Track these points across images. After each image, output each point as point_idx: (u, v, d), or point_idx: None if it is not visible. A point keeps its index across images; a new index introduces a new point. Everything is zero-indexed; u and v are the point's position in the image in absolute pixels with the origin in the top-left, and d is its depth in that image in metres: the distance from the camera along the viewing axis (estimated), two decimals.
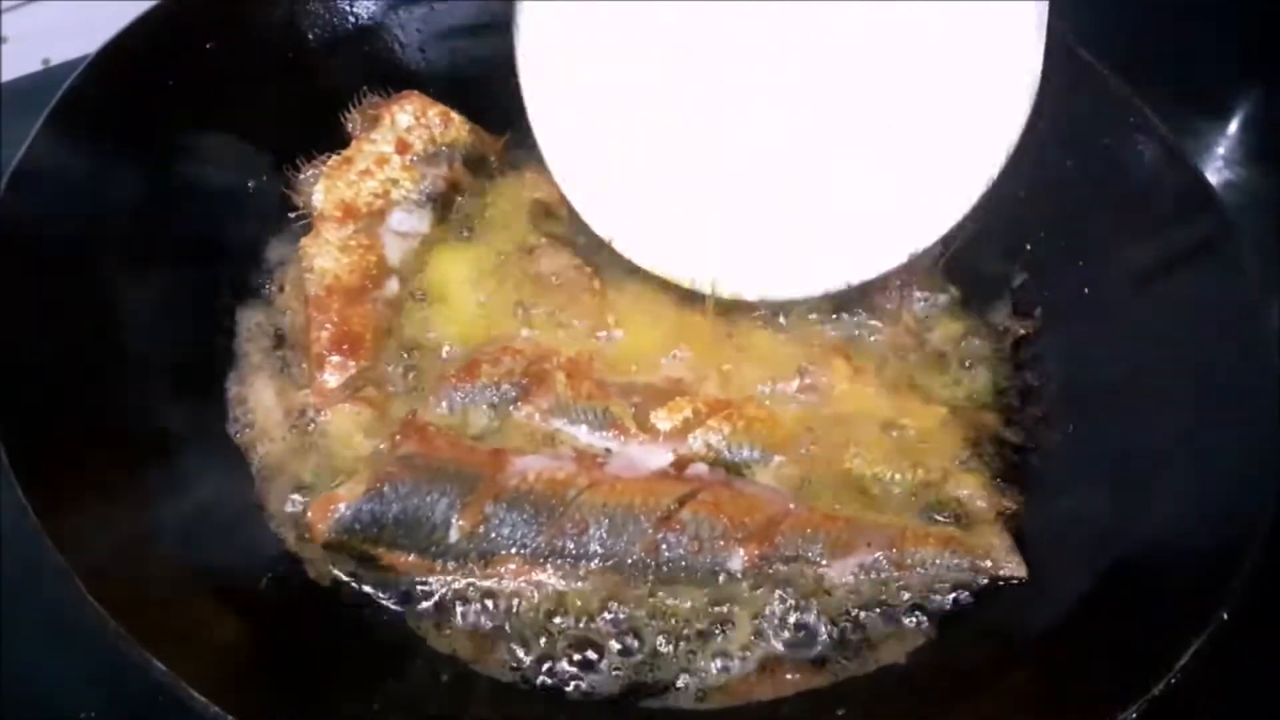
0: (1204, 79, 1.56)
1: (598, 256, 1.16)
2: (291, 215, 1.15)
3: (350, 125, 1.20)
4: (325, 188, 1.13)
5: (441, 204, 1.19)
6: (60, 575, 0.80)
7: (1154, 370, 1.05)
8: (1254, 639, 0.87)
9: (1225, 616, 0.83)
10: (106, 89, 1.06)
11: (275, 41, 1.19)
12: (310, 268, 1.10)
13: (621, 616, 0.96)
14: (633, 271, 1.15)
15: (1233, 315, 1.02)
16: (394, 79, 1.21)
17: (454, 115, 1.20)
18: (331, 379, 1.05)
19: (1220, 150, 1.60)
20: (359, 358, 1.06)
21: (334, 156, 1.15)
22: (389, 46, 1.27)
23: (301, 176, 1.15)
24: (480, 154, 1.22)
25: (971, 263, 1.16)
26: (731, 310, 1.14)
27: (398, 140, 1.17)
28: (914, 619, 0.98)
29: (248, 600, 0.93)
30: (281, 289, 1.13)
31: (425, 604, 0.96)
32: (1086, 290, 1.13)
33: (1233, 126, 1.61)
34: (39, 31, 1.50)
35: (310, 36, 1.22)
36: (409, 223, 1.16)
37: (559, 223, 1.20)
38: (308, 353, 1.07)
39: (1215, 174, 1.57)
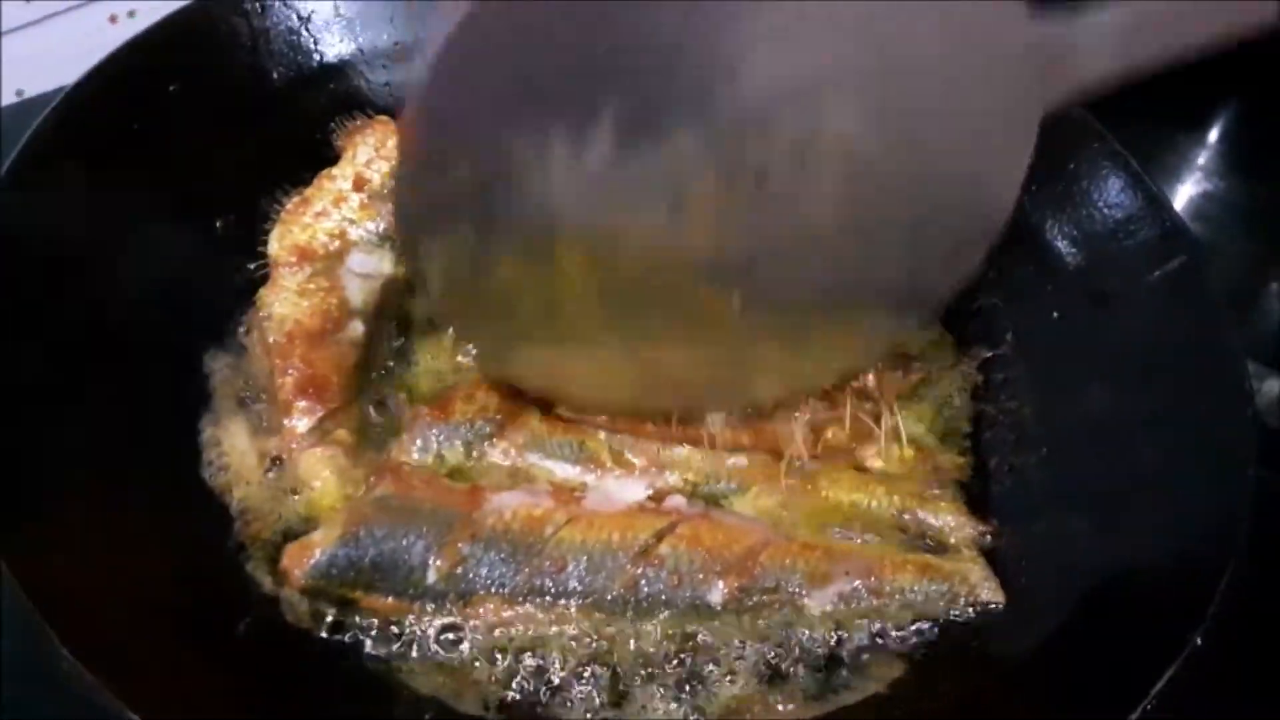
0: (1181, 91, 1.56)
1: None
2: (251, 266, 1.14)
3: (337, 149, 1.18)
4: (279, 234, 1.12)
5: None
6: (33, 624, 0.79)
7: (1126, 395, 1.06)
8: (1227, 662, 0.87)
9: (1199, 641, 0.84)
10: (72, 130, 1.06)
11: (241, 82, 1.18)
12: (269, 315, 1.09)
13: (602, 653, 0.96)
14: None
15: (1202, 340, 1.03)
16: (361, 117, 1.20)
17: None
18: (300, 424, 1.04)
19: (1199, 162, 1.61)
20: (326, 401, 1.05)
21: (294, 197, 1.14)
22: (355, 84, 1.26)
23: (266, 220, 1.14)
24: None
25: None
26: None
27: (355, 176, 1.15)
28: (893, 647, 0.98)
29: (225, 645, 0.92)
30: (249, 332, 1.12)
31: (405, 645, 0.95)
32: (1056, 315, 1.13)
33: (1211, 138, 1.62)
34: (13, 62, 1.50)
35: (276, 76, 1.21)
36: (369, 263, 1.14)
37: None
38: (274, 399, 1.07)
39: (1193, 186, 1.58)
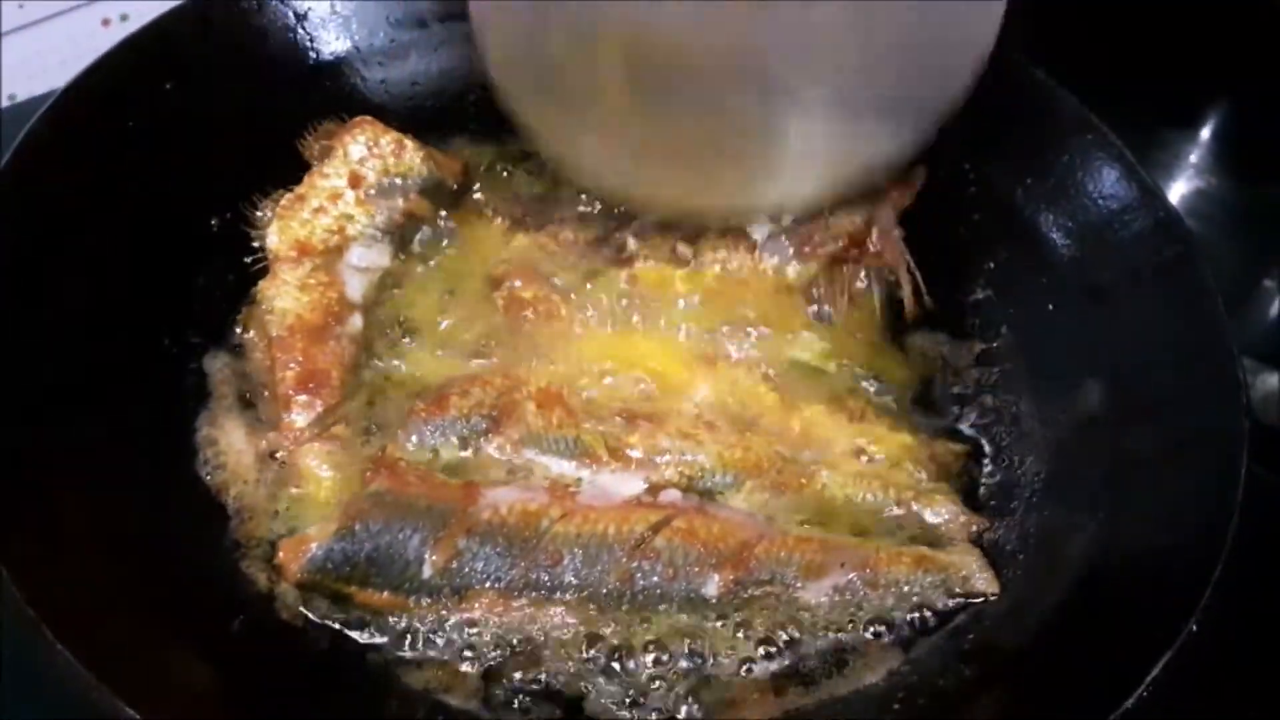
0: (1175, 89, 1.57)
1: (567, 286, 1.17)
2: (248, 260, 1.14)
3: (308, 154, 1.18)
4: (279, 228, 1.12)
5: (401, 235, 1.17)
6: (28, 623, 0.80)
7: (1120, 386, 1.07)
8: (1220, 654, 0.88)
9: (1194, 628, 0.84)
10: (66, 131, 1.06)
11: (236, 80, 1.19)
12: (270, 309, 1.09)
13: (597, 646, 0.96)
14: (598, 300, 1.16)
15: (1196, 331, 1.03)
16: (356, 113, 1.20)
17: (408, 142, 1.18)
18: (299, 418, 1.05)
19: (1192, 159, 1.61)
20: (325, 396, 1.06)
21: (287, 194, 1.14)
22: (350, 81, 1.26)
23: (259, 215, 1.14)
24: (438, 181, 1.19)
25: (934, 281, 1.17)
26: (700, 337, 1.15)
27: (350, 174, 1.15)
28: (889, 638, 0.98)
29: (221, 642, 0.92)
30: (246, 330, 1.13)
31: (400, 640, 0.95)
32: (1051, 307, 1.14)
33: (1204, 135, 1.62)
34: (6, 66, 1.50)
35: (272, 74, 1.22)
36: (368, 257, 1.14)
37: (525, 249, 1.20)
38: (274, 393, 1.07)
39: (1187, 183, 1.58)
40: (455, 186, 1.22)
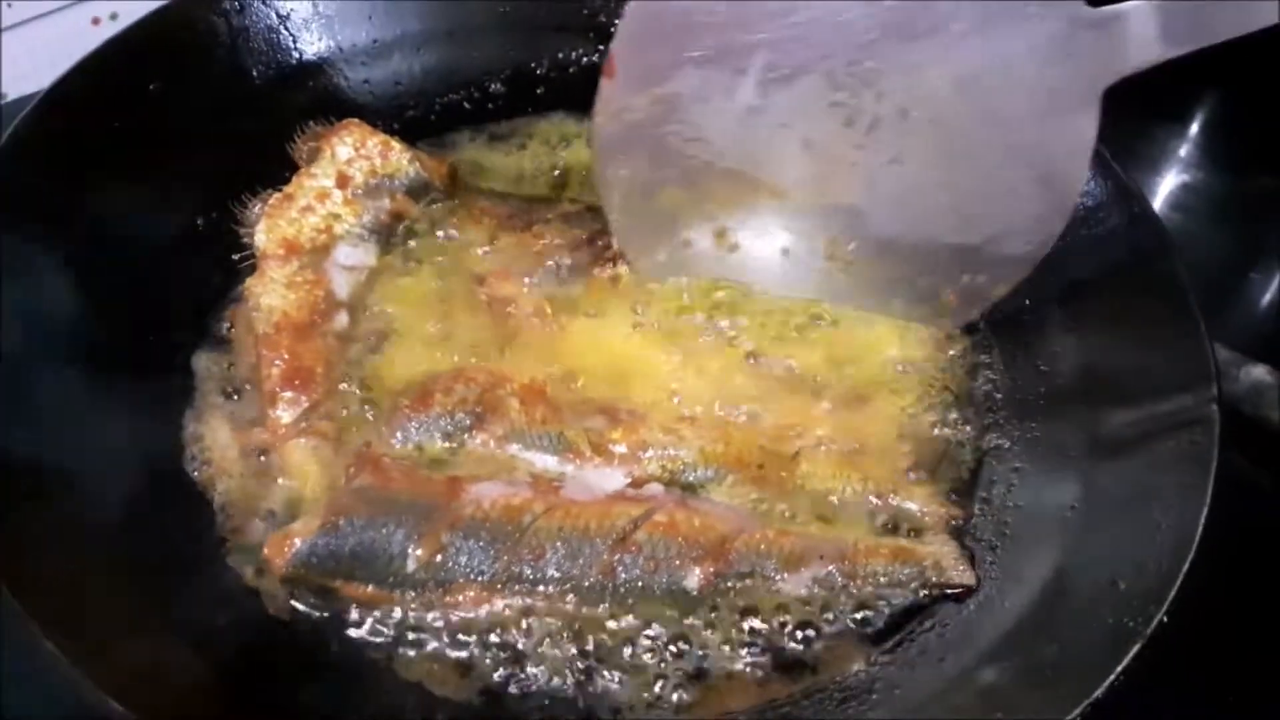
0: (1163, 84, 1.57)
1: (548, 284, 1.18)
2: (236, 257, 1.15)
3: (296, 155, 1.20)
4: (267, 226, 1.13)
5: (387, 235, 1.19)
6: (15, 617, 0.81)
7: (1096, 380, 1.08)
8: (1193, 643, 0.89)
9: (1165, 618, 0.85)
10: (51, 131, 1.07)
11: (220, 79, 1.20)
12: (257, 306, 1.10)
13: (581, 639, 0.97)
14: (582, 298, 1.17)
15: (1170, 324, 1.04)
16: (340, 113, 1.22)
17: (394, 144, 1.19)
18: (285, 415, 1.06)
19: (1180, 154, 1.62)
20: (311, 392, 1.07)
21: (276, 193, 1.15)
22: (334, 81, 1.27)
23: (248, 214, 1.15)
24: (424, 182, 1.21)
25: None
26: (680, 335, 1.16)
27: (338, 174, 1.17)
28: (868, 629, 0.99)
29: (207, 636, 0.93)
30: (232, 327, 1.14)
31: (386, 634, 0.97)
32: (1028, 302, 1.15)
33: (1192, 130, 1.63)
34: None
35: (255, 74, 1.23)
36: (355, 256, 1.16)
37: (511, 248, 1.21)
38: (260, 390, 1.08)
39: (1174, 178, 1.59)
40: (441, 187, 1.24)
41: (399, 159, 1.19)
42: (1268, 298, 1.48)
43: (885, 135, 1.07)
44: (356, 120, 1.19)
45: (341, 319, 1.13)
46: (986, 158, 1.06)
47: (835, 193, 1.12)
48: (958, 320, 1.17)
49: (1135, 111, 1.54)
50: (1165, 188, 1.59)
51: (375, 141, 1.19)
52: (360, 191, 1.17)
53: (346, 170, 1.17)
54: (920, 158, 1.08)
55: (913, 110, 1.05)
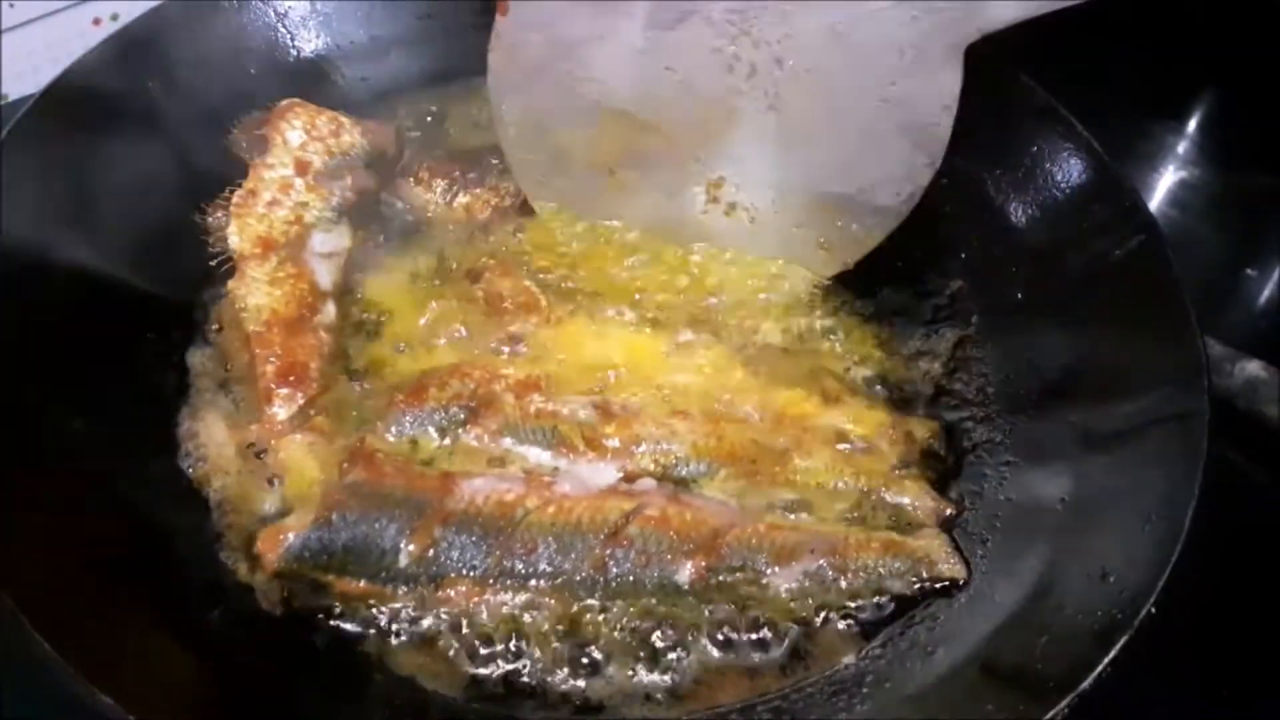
0: (1160, 81, 1.58)
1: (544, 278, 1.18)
2: (213, 263, 1.14)
3: (237, 147, 1.18)
4: (238, 227, 1.13)
5: (357, 213, 1.18)
6: (7, 613, 0.81)
7: (1088, 372, 1.08)
8: (1182, 635, 0.89)
9: (1153, 610, 0.85)
10: (48, 129, 1.08)
11: (216, 77, 1.20)
12: (244, 307, 1.10)
13: (573, 633, 0.97)
14: (579, 293, 1.18)
15: (1161, 316, 1.05)
16: (338, 109, 1.21)
17: (343, 119, 1.18)
18: (280, 411, 1.06)
19: (1178, 150, 1.62)
20: (306, 388, 1.07)
21: (237, 191, 1.14)
22: (332, 80, 1.28)
23: (210, 220, 1.15)
24: (380, 151, 1.21)
25: (908, 271, 1.18)
26: (672, 327, 1.17)
27: (295, 161, 1.16)
28: (859, 623, 0.99)
29: (202, 632, 0.94)
30: (221, 327, 1.14)
31: (379, 628, 0.97)
32: (1021, 295, 1.15)
33: (1189, 127, 1.63)
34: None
35: (252, 71, 1.23)
36: (330, 242, 1.15)
37: (500, 237, 1.22)
38: (254, 387, 1.08)
39: (1171, 174, 1.60)
40: (392, 151, 1.23)
41: (350, 133, 1.19)
42: (1264, 294, 1.48)
43: (763, 82, 1.11)
44: (298, 100, 1.18)
45: (329, 310, 1.13)
46: (858, 109, 1.10)
47: (718, 137, 1.16)
48: (832, 267, 1.20)
49: (1133, 108, 1.55)
50: (1163, 184, 1.59)
51: (324, 120, 1.18)
52: (322, 175, 1.16)
53: (303, 156, 1.16)
54: (796, 106, 1.12)
55: (788, 59, 1.09)
